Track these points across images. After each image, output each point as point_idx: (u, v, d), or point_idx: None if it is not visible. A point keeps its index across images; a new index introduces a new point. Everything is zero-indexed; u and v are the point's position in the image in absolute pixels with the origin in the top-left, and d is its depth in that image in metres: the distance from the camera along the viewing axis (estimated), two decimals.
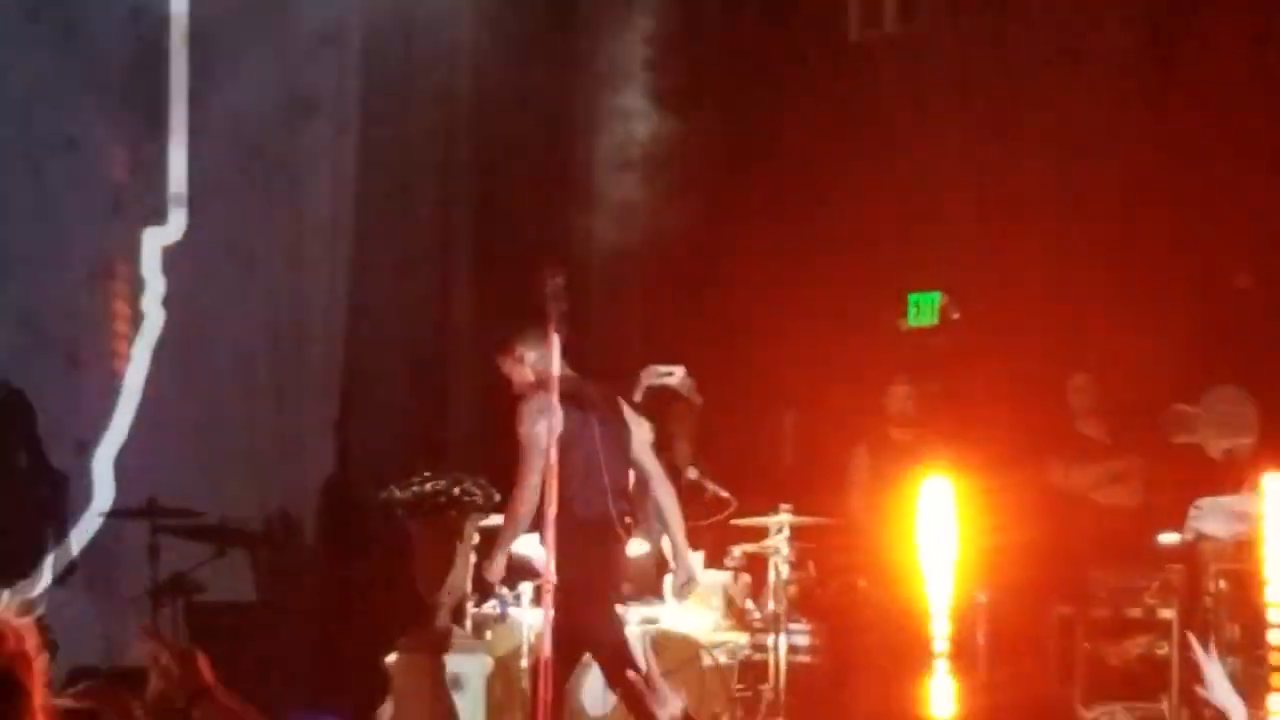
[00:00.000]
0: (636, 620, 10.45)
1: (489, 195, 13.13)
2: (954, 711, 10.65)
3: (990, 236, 12.34)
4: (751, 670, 10.85)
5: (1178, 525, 11.13)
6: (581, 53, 13.42)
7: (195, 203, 12.41)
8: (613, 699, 10.09)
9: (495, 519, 10.12)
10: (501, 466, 10.41)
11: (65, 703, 3.57)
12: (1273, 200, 11.77)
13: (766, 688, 10.78)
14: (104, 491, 11.30)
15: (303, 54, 12.97)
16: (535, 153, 13.06)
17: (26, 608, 8.51)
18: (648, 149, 12.78)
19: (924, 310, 12.10)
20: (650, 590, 10.93)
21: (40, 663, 3.33)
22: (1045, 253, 12.22)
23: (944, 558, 10.23)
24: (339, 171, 12.99)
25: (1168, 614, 10.90)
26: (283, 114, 12.73)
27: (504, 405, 11.00)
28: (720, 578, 11.11)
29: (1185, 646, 10.60)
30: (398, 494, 10.19)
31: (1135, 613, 11.08)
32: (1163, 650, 10.90)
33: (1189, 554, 11.03)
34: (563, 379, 8.72)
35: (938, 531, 10.26)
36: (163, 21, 12.32)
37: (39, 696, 3.34)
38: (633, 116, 12.91)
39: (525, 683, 9.97)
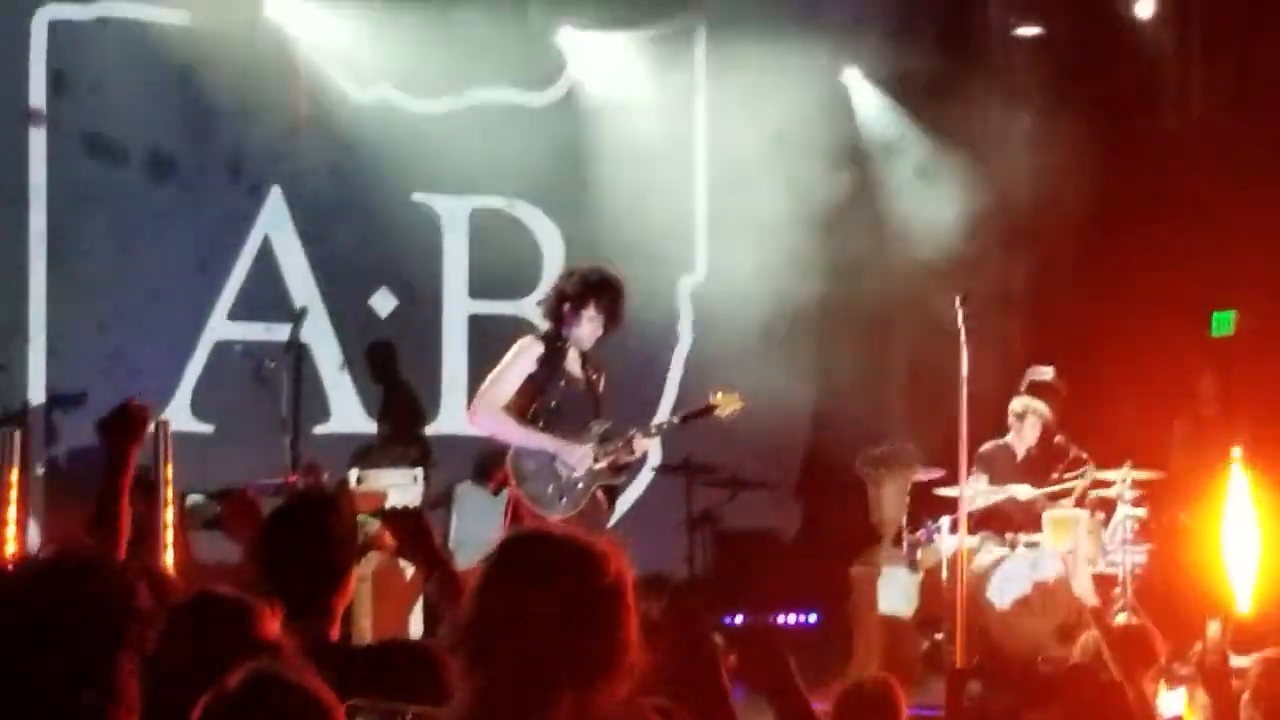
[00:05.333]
0: (1023, 544, 11.14)
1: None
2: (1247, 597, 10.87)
3: (1269, 271, 12.03)
4: (1106, 580, 11.19)
5: None
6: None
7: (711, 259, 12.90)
8: (1012, 594, 10.79)
9: (923, 473, 11.22)
10: (925, 437, 11.44)
11: None
12: None
13: (1117, 591, 11.06)
14: (655, 454, 11.77)
15: None
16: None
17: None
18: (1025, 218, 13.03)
19: (1223, 323, 12.09)
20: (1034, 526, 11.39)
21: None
22: None
23: (1241, 499, 11.02)
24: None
25: None
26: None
27: (928, 394, 11.56)
28: (1082, 514, 11.40)
29: None
30: (860, 456, 11.37)
31: None
32: None
33: None
34: None
35: (1237, 481, 11.01)
36: None
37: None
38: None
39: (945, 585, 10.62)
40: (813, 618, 11.93)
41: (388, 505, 5.13)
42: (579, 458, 9.08)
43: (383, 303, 12.15)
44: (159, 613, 3.51)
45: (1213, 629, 9.81)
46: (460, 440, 11.40)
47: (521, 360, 9.06)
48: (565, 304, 9.07)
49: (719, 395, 9.81)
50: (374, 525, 4.69)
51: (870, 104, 13.28)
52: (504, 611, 3.10)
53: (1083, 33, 12.60)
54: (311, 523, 4.70)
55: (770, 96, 12.56)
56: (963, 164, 13.03)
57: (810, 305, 13.02)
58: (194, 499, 9.22)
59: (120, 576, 3.35)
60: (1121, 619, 10.46)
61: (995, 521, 11.58)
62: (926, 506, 11.46)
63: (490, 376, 9.17)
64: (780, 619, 12.26)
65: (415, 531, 4.96)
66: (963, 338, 9.58)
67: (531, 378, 9.08)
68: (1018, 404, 11.80)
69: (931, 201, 12.81)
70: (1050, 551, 11.13)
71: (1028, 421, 11.77)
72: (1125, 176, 12.62)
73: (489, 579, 3.16)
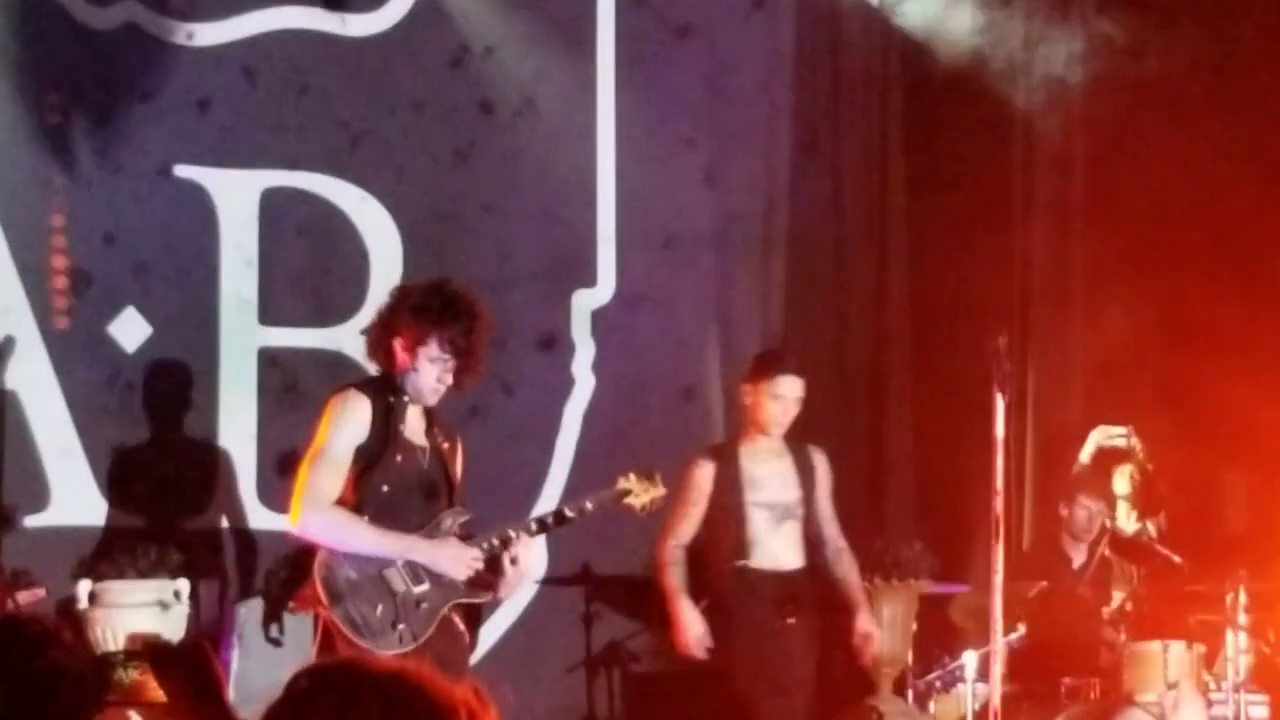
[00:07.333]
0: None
1: (925, 256, 13.03)
2: None
3: None
4: None
5: None
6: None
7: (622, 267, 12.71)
8: None
9: (934, 587, 11.42)
10: (938, 533, 11.77)
11: None
12: None
13: None
14: (539, 560, 11.20)
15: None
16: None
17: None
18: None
19: None
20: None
21: None
22: None
23: None
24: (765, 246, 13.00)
25: None
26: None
27: (938, 473, 12.13)
28: (1176, 646, 11.21)
29: None
30: None
31: None
32: None
33: None
34: None
35: None
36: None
37: None
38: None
39: None
40: None
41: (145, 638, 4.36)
42: (468, 560, 8.83)
43: (129, 330, 11.80)
44: None
45: None
46: (248, 536, 11.45)
47: (349, 425, 8.82)
48: (395, 338, 8.88)
49: (632, 477, 9.64)
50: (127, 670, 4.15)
51: None
52: None
53: None
54: (12, 665, 4.57)
55: None
56: None
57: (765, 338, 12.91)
58: None
59: None
60: None
61: (1042, 658, 11.48)
62: (940, 637, 11.54)
63: (312, 454, 8.88)
64: None
65: (194, 679, 4.67)
66: (998, 392, 9.52)
67: (357, 450, 8.87)
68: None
69: None
70: (1130, 705, 11.10)
71: (1088, 514, 11.89)
72: None
73: None
